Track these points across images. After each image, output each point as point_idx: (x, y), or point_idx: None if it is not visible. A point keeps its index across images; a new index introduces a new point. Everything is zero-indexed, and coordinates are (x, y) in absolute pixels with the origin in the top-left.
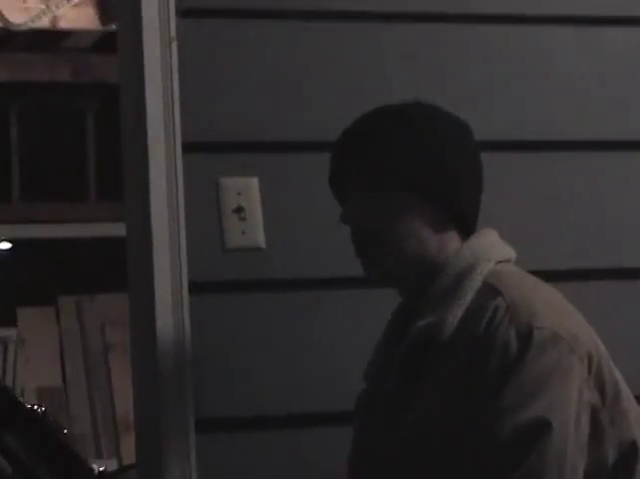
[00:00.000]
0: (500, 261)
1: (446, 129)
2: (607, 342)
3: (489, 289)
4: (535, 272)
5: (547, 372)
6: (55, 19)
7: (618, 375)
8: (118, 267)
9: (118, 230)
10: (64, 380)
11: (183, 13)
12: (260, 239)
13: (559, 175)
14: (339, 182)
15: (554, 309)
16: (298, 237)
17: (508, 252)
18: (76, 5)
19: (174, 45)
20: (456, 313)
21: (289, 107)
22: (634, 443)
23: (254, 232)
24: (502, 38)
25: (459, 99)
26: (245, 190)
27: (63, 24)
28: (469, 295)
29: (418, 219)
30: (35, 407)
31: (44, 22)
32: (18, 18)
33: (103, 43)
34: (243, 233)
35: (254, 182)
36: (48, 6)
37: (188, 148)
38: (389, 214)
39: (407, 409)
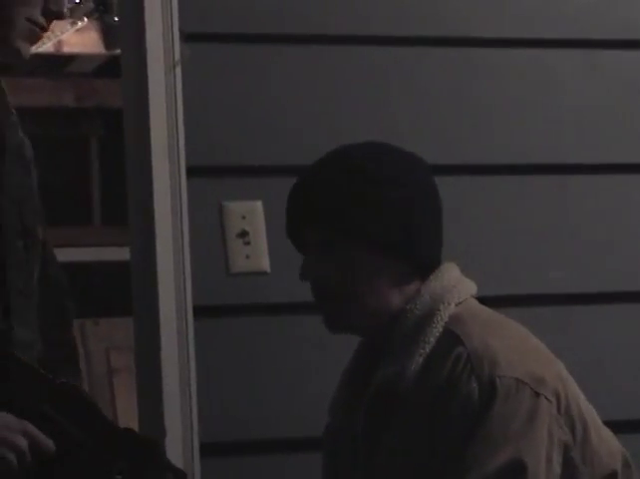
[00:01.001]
0: (461, 302)
1: (408, 177)
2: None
3: (451, 337)
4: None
5: (513, 420)
6: (59, 44)
7: (584, 404)
8: (122, 292)
9: (122, 254)
10: None
11: (187, 37)
12: (265, 263)
13: (568, 197)
14: (297, 233)
15: (516, 354)
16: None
17: (469, 289)
18: (80, 30)
19: (178, 69)
20: (417, 361)
21: (293, 130)
22: (614, 473)
23: (259, 256)
24: (507, 61)
25: (462, 123)
26: (250, 213)
27: (67, 49)
28: (430, 343)
29: (379, 273)
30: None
31: (48, 47)
32: None
33: (106, 67)
34: (248, 257)
35: (258, 205)
36: (52, 31)
37: (193, 172)
38: (348, 270)
39: (374, 454)
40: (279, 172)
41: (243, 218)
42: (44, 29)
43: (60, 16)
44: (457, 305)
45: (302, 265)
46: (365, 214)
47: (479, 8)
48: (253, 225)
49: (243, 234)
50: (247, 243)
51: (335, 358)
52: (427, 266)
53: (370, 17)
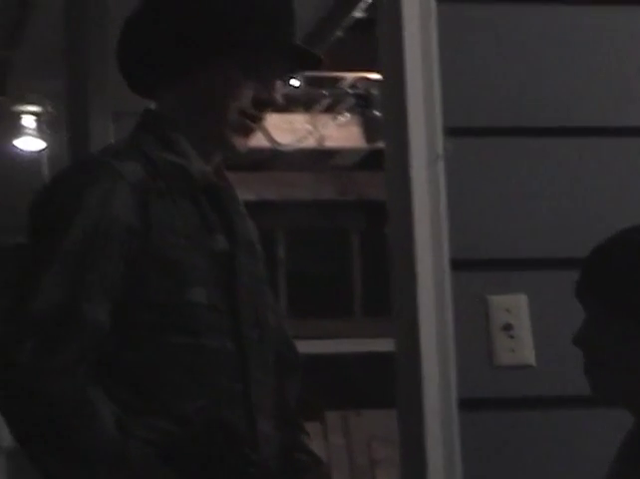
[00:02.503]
0: None
1: None
2: None
3: None
4: None
5: None
6: (321, 138)
7: None
8: (384, 383)
9: (383, 345)
10: None
11: (450, 131)
12: (530, 357)
13: None
14: (581, 295)
15: None
16: (568, 354)
17: None
18: (341, 124)
19: (441, 163)
20: None
21: (556, 224)
22: None
23: (524, 349)
24: None
25: None
26: (514, 307)
27: (329, 143)
28: None
29: None
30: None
31: (310, 142)
32: (285, 138)
33: (368, 161)
34: (513, 350)
35: (523, 299)
36: (314, 126)
37: (456, 265)
38: (621, 346)
39: None
40: (543, 265)
41: (508, 311)
42: (257, 119)
43: (272, 103)
44: None
45: (577, 331)
46: None
47: None
48: (518, 318)
49: (508, 327)
50: (512, 337)
51: (605, 452)
52: None
53: (629, 107)
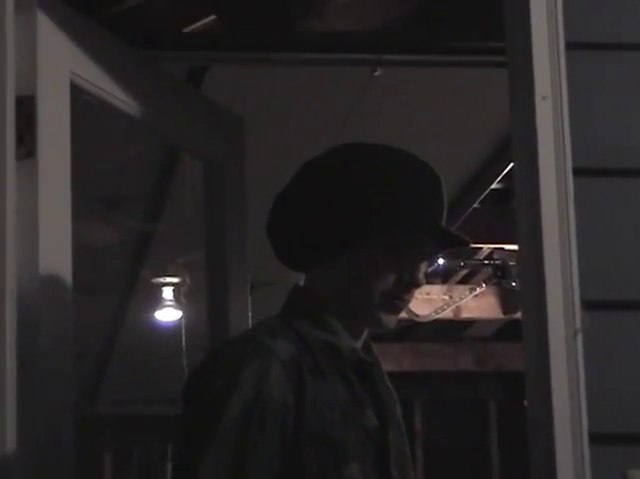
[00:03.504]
0: None
1: None
2: None
3: None
4: None
5: None
6: (458, 309)
7: None
8: None
9: None
10: None
11: (587, 305)
12: None
13: None
14: None
15: None
16: None
17: None
18: (478, 295)
19: (579, 337)
20: None
21: None
22: None
23: None
24: None
25: None
26: None
27: (465, 314)
28: None
29: None
30: None
31: (447, 312)
32: (422, 309)
33: (505, 331)
34: None
35: None
36: (451, 297)
37: (595, 439)
38: None
39: None
40: None
41: None
42: (400, 299)
43: (415, 285)
44: None
45: None
46: None
47: None
48: None
49: None
50: None
51: None
52: None
53: None
